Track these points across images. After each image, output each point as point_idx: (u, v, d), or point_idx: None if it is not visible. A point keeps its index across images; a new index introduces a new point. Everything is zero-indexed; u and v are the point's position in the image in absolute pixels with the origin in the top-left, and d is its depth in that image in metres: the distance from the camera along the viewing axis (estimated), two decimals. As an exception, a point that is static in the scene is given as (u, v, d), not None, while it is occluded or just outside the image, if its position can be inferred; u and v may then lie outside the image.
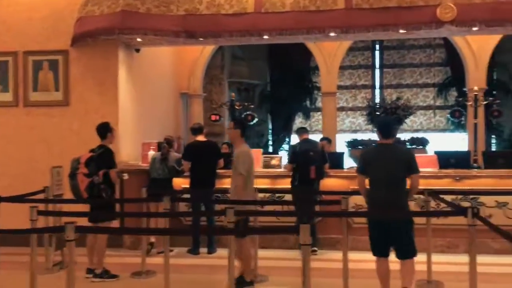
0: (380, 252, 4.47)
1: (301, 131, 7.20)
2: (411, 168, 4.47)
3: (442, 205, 5.77)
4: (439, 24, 6.37)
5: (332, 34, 6.87)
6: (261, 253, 5.73)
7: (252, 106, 8.25)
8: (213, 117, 8.36)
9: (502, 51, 12.12)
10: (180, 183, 7.16)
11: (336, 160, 7.41)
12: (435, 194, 5.57)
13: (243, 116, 8.66)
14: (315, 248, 6.65)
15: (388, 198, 4.37)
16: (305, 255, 2.93)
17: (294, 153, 6.85)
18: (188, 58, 10.42)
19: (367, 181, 4.57)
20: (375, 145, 4.78)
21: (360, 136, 14.04)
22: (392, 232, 4.40)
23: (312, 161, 6.58)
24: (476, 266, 3.87)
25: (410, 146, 12.47)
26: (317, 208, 6.63)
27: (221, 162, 6.98)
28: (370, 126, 13.72)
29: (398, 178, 4.42)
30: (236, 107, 7.54)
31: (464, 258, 4.17)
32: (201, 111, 10.89)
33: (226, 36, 6.90)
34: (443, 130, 14.80)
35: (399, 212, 4.41)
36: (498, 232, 3.12)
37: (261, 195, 6.77)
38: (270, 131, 15.46)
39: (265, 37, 7.01)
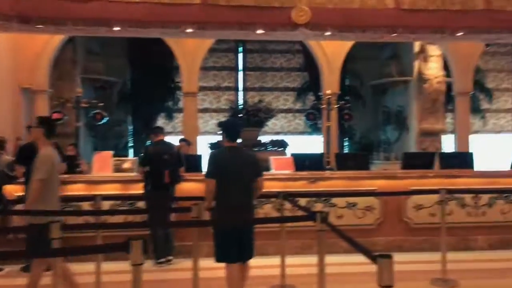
0: (233, 258, 4.36)
1: (156, 131, 6.70)
2: (258, 171, 4.47)
3: (297, 207, 5.77)
4: (294, 27, 6.42)
5: (189, 30, 6.55)
6: (108, 266, 5.13)
7: (102, 104, 7.54)
8: (54, 115, 7.45)
9: (354, 58, 13.00)
10: (13, 190, 6.20)
11: (194, 163, 7.08)
12: (289, 197, 5.53)
13: (91, 115, 7.88)
14: (170, 257, 6.26)
15: (241, 202, 4.35)
16: (136, 277, 2.49)
17: (146, 155, 6.35)
18: (31, 49, 9.27)
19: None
20: (224, 148, 4.60)
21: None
22: (242, 236, 4.35)
23: (166, 164, 6.15)
24: (324, 268, 3.80)
25: (270, 148, 12.70)
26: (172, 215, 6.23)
27: (63, 166, 6.20)
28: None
29: (248, 181, 4.39)
30: (83, 105, 6.77)
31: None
32: (47, 109, 9.77)
33: (70, 24, 6.16)
34: (302, 132, 15.40)
35: (250, 216, 4.41)
36: (342, 236, 3.03)
37: (109, 202, 6.20)
38: (130, 132, 14.62)
39: (116, 28, 6.42)
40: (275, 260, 5.30)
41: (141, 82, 14.03)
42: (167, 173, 6.09)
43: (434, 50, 12.13)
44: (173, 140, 8.45)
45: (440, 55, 12.20)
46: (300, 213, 4.79)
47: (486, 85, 15.14)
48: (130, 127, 14.68)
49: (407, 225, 6.81)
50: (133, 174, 6.71)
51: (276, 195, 5.54)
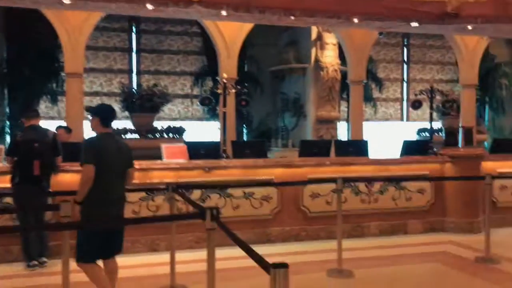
0: (106, 254, 4.02)
1: (29, 115, 5.78)
2: (131, 160, 4.10)
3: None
4: (188, 3, 5.91)
5: (66, 0, 5.71)
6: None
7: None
8: None
9: (252, 44, 12.77)
10: None
11: (75, 152, 6.28)
12: (182, 188, 5.08)
13: None
14: (45, 259, 5.50)
15: (119, 194, 4.01)
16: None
17: (14, 143, 5.49)
18: None
19: None
20: (99, 134, 4.06)
21: (114, 124, 12.98)
22: (114, 231, 4.04)
23: (36, 153, 5.34)
24: (215, 267, 3.41)
25: (166, 136, 12.10)
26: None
27: None
28: (126, 113, 12.81)
29: (124, 172, 4.01)
30: None
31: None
32: None
33: None
34: (200, 119, 14.89)
35: (123, 210, 4.07)
36: (234, 239, 2.64)
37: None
38: (7, 116, 13.05)
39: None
40: (166, 257, 4.84)
41: (20, 60, 12.50)
42: (37, 164, 5.30)
43: (330, 38, 12.25)
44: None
45: (336, 44, 12.36)
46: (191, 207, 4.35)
47: (378, 75, 15.79)
48: (7, 111, 13.10)
49: (304, 214, 6.68)
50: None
51: (166, 187, 5.04)
